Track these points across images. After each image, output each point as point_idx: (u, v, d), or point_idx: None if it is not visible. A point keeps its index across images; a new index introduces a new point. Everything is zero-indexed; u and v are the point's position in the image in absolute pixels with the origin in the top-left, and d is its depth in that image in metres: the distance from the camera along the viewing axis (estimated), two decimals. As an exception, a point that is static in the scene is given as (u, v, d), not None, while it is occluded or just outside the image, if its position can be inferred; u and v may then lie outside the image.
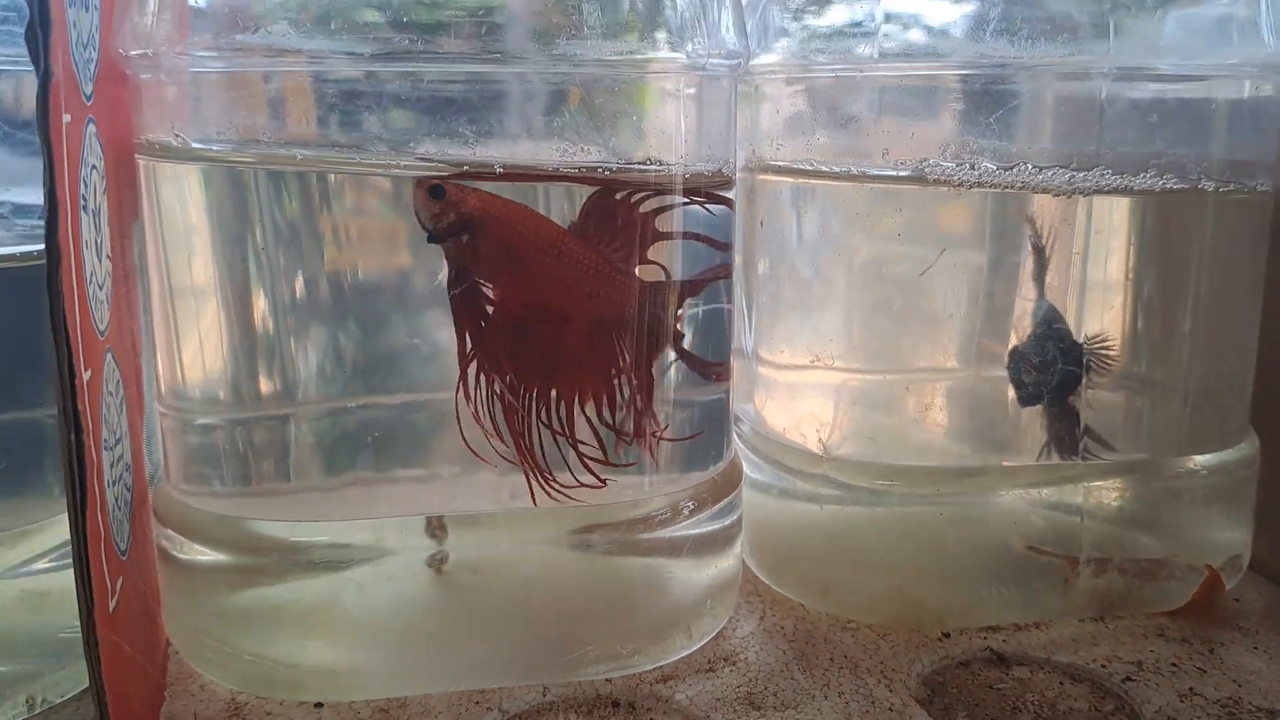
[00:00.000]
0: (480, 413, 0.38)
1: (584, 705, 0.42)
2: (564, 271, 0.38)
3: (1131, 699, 0.42)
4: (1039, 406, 0.47)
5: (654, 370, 0.41)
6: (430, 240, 0.38)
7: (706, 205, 0.41)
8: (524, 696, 0.42)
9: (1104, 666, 0.44)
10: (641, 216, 0.39)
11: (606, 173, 0.39)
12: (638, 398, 0.40)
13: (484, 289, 0.38)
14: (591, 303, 0.39)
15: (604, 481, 0.40)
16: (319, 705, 0.41)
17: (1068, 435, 0.46)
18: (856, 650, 0.45)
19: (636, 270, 0.40)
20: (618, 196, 0.38)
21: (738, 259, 0.50)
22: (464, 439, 0.38)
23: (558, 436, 0.39)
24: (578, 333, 0.39)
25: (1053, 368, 0.46)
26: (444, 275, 0.38)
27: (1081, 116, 0.43)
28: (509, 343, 0.38)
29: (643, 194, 0.39)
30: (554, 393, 0.39)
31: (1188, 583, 0.48)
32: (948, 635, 0.47)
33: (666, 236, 0.40)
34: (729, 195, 0.43)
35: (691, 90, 0.40)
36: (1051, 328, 0.46)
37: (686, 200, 0.40)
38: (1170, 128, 0.44)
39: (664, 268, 0.40)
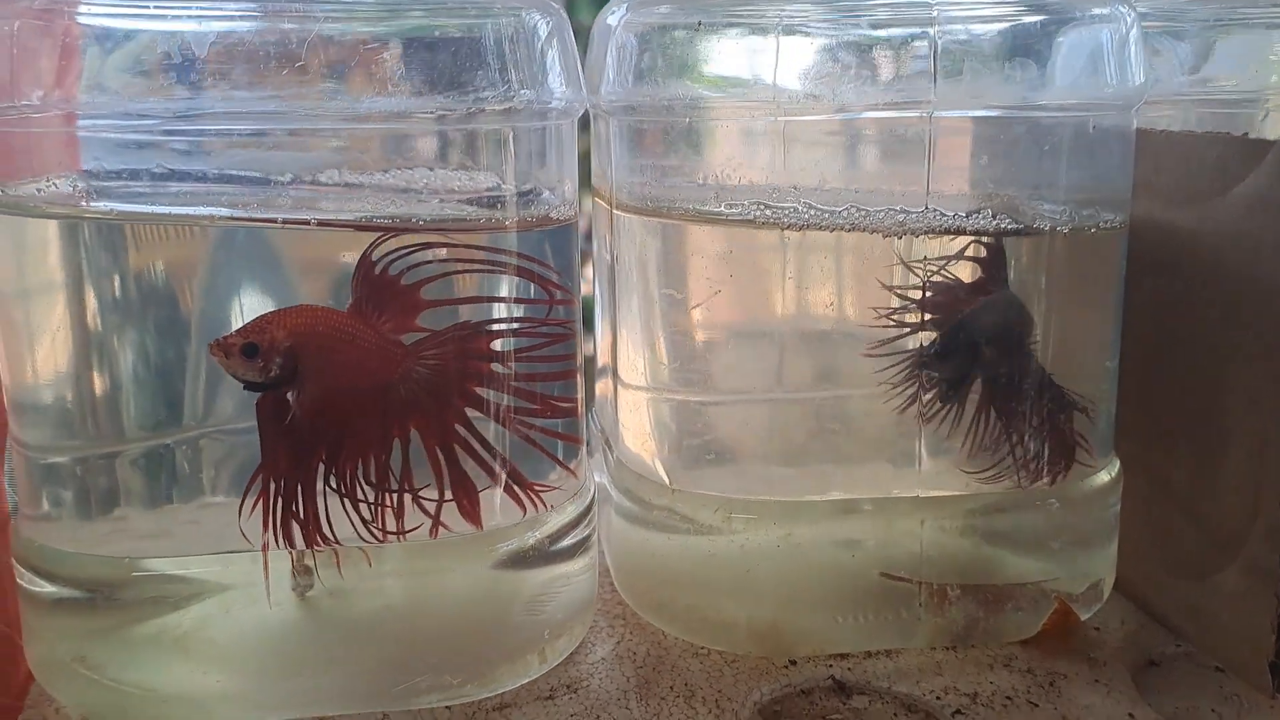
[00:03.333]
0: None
1: (418, 733, 0.43)
2: (353, 354, 0.40)
3: (954, 733, 0.43)
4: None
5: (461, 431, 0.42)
6: (253, 389, 0.40)
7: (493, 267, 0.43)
8: (362, 724, 0.43)
9: (939, 698, 0.45)
10: (403, 289, 0.40)
11: (419, 222, 0.40)
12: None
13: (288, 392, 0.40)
14: (372, 375, 0.41)
15: (384, 537, 0.42)
16: (161, 732, 0.43)
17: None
18: (699, 678, 0.46)
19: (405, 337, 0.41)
20: (376, 271, 0.40)
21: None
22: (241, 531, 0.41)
23: (345, 501, 0.41)
24: (363, 403, 0.41)
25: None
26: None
27: (910, 158, 0.43)
28: (308, 428, 0.41)
29: (402, 257, 0.40)
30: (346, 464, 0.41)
31: (1038, 612, 0.49)
32: (794, 663, 0.48)
33: (432, 305, 0.41)
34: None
35: (510, 141, 0.41)
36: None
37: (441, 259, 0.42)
38: (1002, 169, 0.44)
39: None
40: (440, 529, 0.42)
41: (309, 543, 0.41)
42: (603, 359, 0.54)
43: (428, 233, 0.41)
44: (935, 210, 0.43)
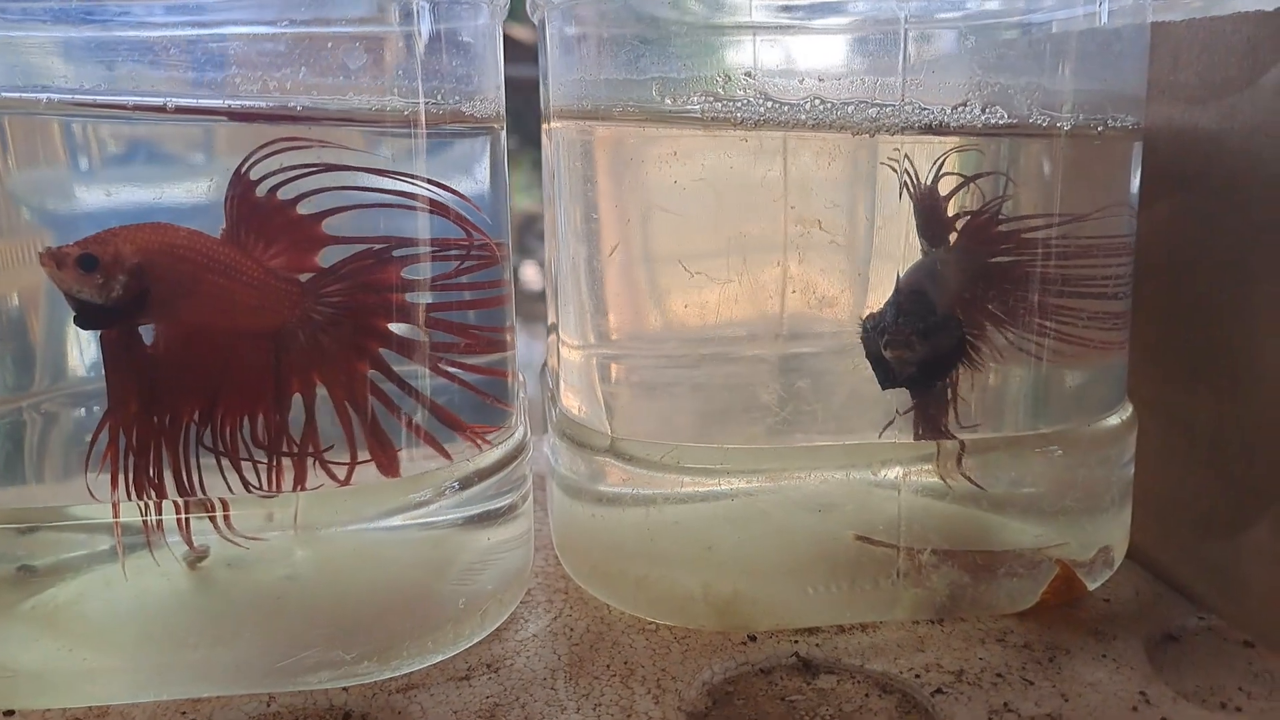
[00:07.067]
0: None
1: (307, 717, 0.37)
2: (225, 286, 0.34)
3: (935, 714, 0.36)
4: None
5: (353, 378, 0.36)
6: (94, 324, 0.33)
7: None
8: (243, 707, 0.37)
9: (919, 676, 0.39)
10: (299, 218, 0.34)
11: (301, 109, 0.34)
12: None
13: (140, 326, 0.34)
14: (256, 316, 0.35)
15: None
16: (9, 713, 0.37)
17: (934, 415, 0.41)
18: (642, 655, 0.40)
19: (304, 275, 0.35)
20: (258, 194, 0.34)
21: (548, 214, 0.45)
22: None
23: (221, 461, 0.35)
24: (247, 350, 0.35)
25: (919, 342, 0.40)
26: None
27: (882, 42, 0.37)
28: (170, 373, 0.34)
29: (290, 181, 0.34)
30: (220, 417, 0.35)
31: (1036, 580, 0.42)
32: (754, 638, 0.41)
33: (332, 241, 0.35)
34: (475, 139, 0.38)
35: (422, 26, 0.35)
36: (915, 293, 0.40)
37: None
38: (991, 52, 0.38)
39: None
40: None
41: (162, 495, 0.35)
42: (551, 315, 0.48)
43: (310, 124, 0.34)
44: (913, 103, 0.37)
